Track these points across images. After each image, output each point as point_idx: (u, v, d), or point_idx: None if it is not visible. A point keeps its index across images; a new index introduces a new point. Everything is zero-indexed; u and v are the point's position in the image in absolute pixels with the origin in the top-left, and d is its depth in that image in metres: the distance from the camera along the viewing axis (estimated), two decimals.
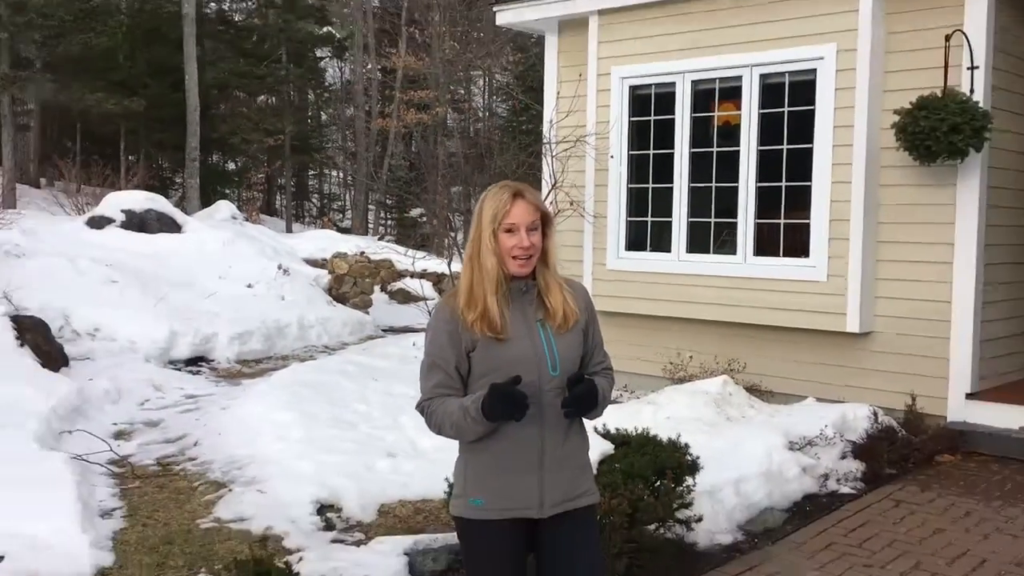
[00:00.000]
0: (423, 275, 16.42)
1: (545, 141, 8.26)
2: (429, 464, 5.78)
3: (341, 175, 38.39)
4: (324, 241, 17.05)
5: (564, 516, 2.75)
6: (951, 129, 6.07)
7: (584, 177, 8.11)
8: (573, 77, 8.40)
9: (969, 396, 6.48)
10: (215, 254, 11.93)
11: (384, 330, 12.29)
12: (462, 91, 35.73)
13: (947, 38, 6.32)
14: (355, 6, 33.12)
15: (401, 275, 16.35)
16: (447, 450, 6.17)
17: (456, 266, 16.18)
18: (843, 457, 5.77)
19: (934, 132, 6.12)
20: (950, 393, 6.52)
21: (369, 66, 32.71)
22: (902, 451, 5.93)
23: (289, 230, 26.43)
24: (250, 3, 32.43)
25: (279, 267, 11.92)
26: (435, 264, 15.38)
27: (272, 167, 31.09)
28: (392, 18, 34.68)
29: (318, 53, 31.93)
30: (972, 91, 6.28)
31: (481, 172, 8.56)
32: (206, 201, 21.58)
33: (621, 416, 5.64)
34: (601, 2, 8.00)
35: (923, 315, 6.62)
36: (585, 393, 2.67)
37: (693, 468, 4.39)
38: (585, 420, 2.85)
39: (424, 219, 28.94)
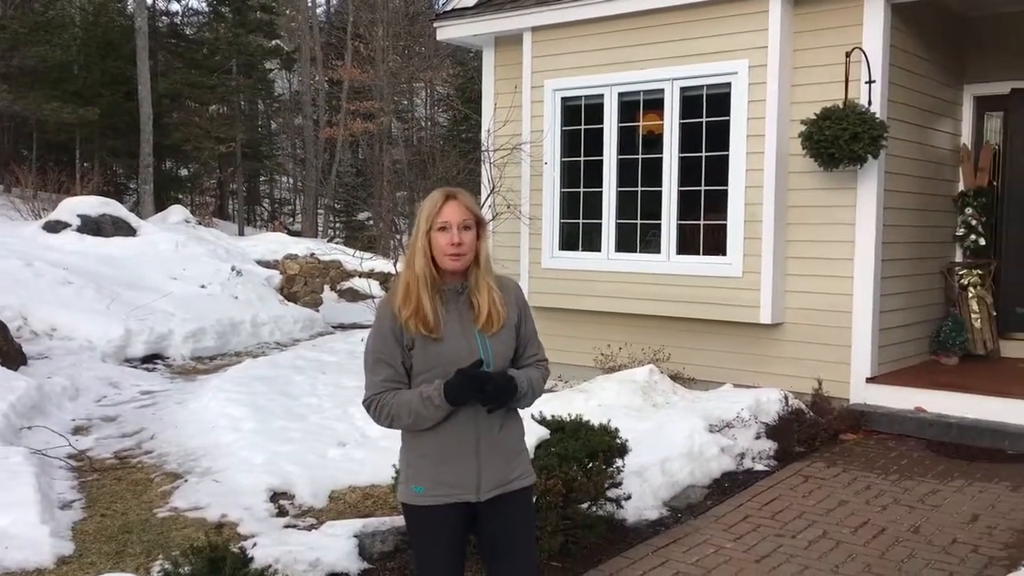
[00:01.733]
0: (370, 275, 16.32)
1: (484, 149, 8.27)
2: (377, 452, 5.75)
3: (291, 181, 37.89)
4: (275, 244, 16.82)
5: (500, 499, 2.76)
6: (851, 138, 6.24)
7: (520, 182, 8.15)
8: (509, 89, 8.42)
9: (869, 380, 6.66)
10: (169, 256, 11.68)
11: (334, 327, 12.18)
12: (405, 102, 35.50)
13: (847, 55, 6.49)
14: (303, 20, 32.74)
15: (350, 275, 16.23)
16: (394, 438, 6.14)
17: (402, 266, 16.15)
18: (757, 437, 5.89)
19: (836, 140, 6.28)
20: (852, 377, 6.70)
21: (317, 77, 32.32)
22: (810, 431, 6.07)
23: (241, 233, 25.97)
24: (201, 17, 31.79)
25: (232, 268, 11.73)
26: (382, 264, 15.28)
27: (224, 173, 30.56)
28: (338, 32, 34.31)
29: (267, 65, 31.41)
30: (870, 103, 6.46)
31: (424, 178, 8.50)
32: (160, 206, 21.10)
33: (556, 404, 5.69)
34: (535, 20, 8.03)
35: (828, 307, 6.79)
36: (498, 390, 2.65)
37: (622, 450, 4.44)
38: (520, 409, 2.87)
39: (371, 222, 28.72)
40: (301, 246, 17.22)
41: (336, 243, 23.43)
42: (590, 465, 4.25)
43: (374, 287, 16.27)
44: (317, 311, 12.61)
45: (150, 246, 11.81)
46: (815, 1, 6.74)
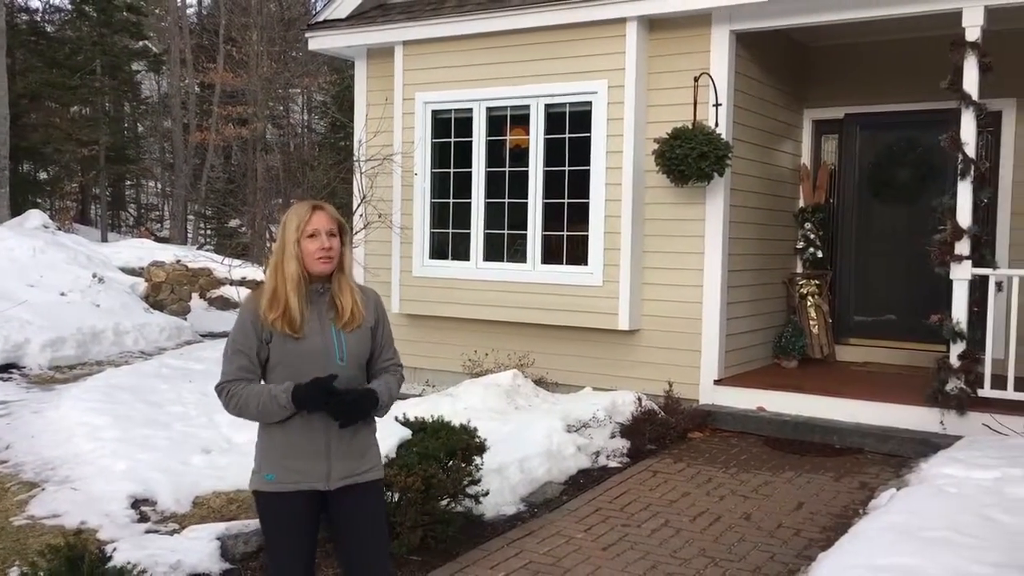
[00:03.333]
0: (242, 283, 16.05)
1: (355, 159, 8.40)
2: (243, 457, 5.76)
3: (159, 186, 36.62)
4: (141, 250, 16.33)
5: (351, 489, 2.96)
6: (699, 156, 6.71)
7: (391, 192, 8.32)
8: (381, 100, 8.59)
9: (716, 382, 7.16)
10: (26, 263, 11.23)
11: (203, 335, 11.97)
12: (281, 108, 34.92)
13: (696, 79, 6.98)
14: (172, 21, 31.79)
15: (220, 283, 15.92)
16: None
17: (268, 272, 15.95)
18: (612, 436, 6.26)
19: (686, 158, 6.75)
20: (701, 380, 7.18)
21: (187, 80, 31.42)
22: (661, 430, 6.47)
23: (104, 239, 24.98)
24: (64, 15, 30.41)
25: (94, 275, 11.38)
26: (254, 272, 15.09)
27: (87, 177, 29.29)
28: (209, 35, 33.47)
29: (134, 67, 30.33)
30: (717, 124, 6.96)
31: (297, 186, 8.55)
32: (16, 211, 20.08)
33: (424, 408, 5.89)
34: (406, 34, 8.23)
35: (680, 314, 7.26)
36: (349, 406, 2.86)
37: (481, 449, 4.68)
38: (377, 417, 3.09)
39: (243, 229, 28.11)
40: (168, 253, 16.77)
41: (206, 250, 22.86)
42: (450, 463, 4.48)
43: (245, 295, 16.01)
44: (185, 319, 12.37)
45: (5, 252, 11.33)
46: (668, 28, 7.22)
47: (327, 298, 2.96)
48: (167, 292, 12.86)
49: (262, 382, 2.94)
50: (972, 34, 6.14)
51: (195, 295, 14.81)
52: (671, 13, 7.05)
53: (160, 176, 35.21)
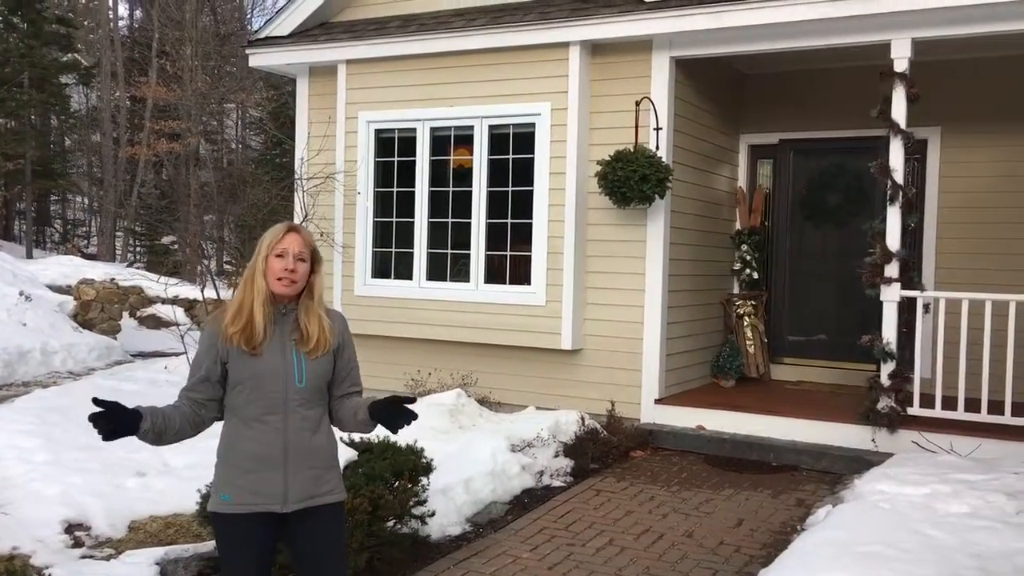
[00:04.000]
0: (175, 301, 15.72)
1: (297, 177, 8.34)
2: (180, 481, 5.69)
3: (87, 201, 35.65)
4: (69, 267, 15.88)
5: (308, 512, 2.94)
6: (641, 179, 6.84)
7: (333, 211, 8.27)
8: (323, 118, 8.56)
9: (657, 401, 7.27)
10: None
11: (134, 355, 11.68)
12: (215, 123, 34.38)
13: (637, 103, 7.12)
14: (103, 34, 31.13)
15: (152, 301, 15.58)
16: (198, 467, 6.12)
17: (209, 292, 15.66)
18: (556, 456, 6.31)
19: (628, 181, 6.87)
20: (642, 399, 7.28)
21: (118, 94, 30.75)
22: (603, 449, 6.54)
23: (30, 256, 24.22)
24: None
25: (20, 293, 11.03)
26: (188, 290, 14.80)
27: (12, 192, 28.38)
28: (141, 48, 32.83)
29: (63, 79, 29.56)
30: (657, 147, 7.11)
31: (235, 202, 8.44)
32: None
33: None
34: (349, 53, 8.23)
35: (622, 334, 7.35)
36: (389, 406, 2.93)
37: (427, 469, 4.67)
38: (336, 429, 3.08)
39: (176, 246, 27.53)
40: (98, 271, 16.32)
41: (137, 267, 22.36)
42: (396, 484, 4.46)
43: (179, 314, 15.69)
44: (115, 339, 12.06)
45: None
46: (610, 53, 7.36)
47: (290, 319, 2.95)
48: (97, 311, 12.52)
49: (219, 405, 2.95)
50: (900, 65, 6.40)
51: (125, 314, 14.45)
52: (613, 38, 7.19)
53: (88, 191, 34.30)
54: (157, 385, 8.74)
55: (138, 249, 30.70)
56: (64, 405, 7.24)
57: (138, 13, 36.31)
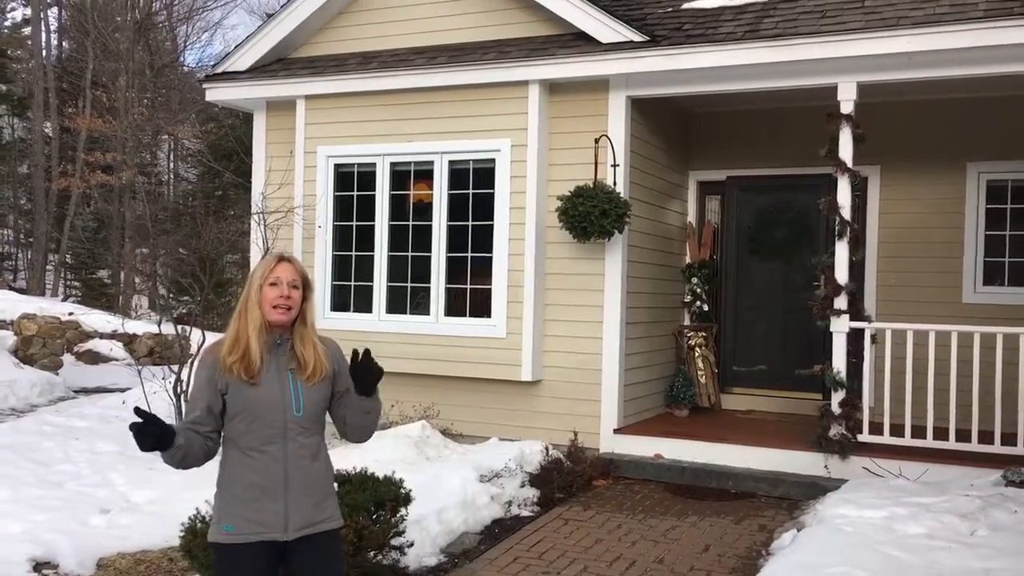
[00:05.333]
0: (113, 336, 15.38)
1: (256, 211, 8.30)
2: (145, 517, 5.60)
3: (13, 234, 34.55)
4: (5, 302, 15.41)
5: (308, 539, 2.96)
6: (601, 214, 7.01)
7: (292, 244, 8.25)
8: (280, 153, 8.55)
9: (616, 431, 7.39)
10: None
11: (76, 391, 11.36)
12: (148, 156, 33.77)
13: (596, 141, 7.32)
14: (35, 64, 30.43)
15: (90, 336, 15.20)
16: (160, 503, 6.02)
17: (147, 327, 15.32)
18: (523, 486, 6.36)
19: (588, 216, 7.03)
20: (602, 429, 7.40)
21: (49, 125, 30.02)
22: (568, 478, 6.62)
23: None
24: None
25: None
26: (129, 325, 14.50)
27: None
28: (72, 77, 32.17)
29: None
30: (616, 184, 7.30)
31: (197, 237, 8.36)
32: None
33: (334, 459, 5.81)
34: (308, 88, 8.27)
35: (581, 365, 7.48)
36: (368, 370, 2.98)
37: (407, 500, 4.69)
38: (359, 438, 3.14)
39: (109, 280, 26.90)
40: (33, 305, 15.87)
41: (72, 302, 21.75)
42: (378, 514, 4.46)
43: (117, 349, 15.34)
44: (57, 374, 11.72)
45: None
46: (569, 91, 7.55)
47: (286, 348, 2.99)
48: (39, 346, 12.18)
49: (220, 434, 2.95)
50: (847, 107, 6.73)
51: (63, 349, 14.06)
52: (572, 78, 7.39)
53: (15, 224, 33.27)
54: (107, 421, 8.55)
55: (72, 283, 29.85)
56: (15, 443, 7.05)
57: (65, 43, 35.61)
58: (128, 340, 15.17)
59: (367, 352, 3.00)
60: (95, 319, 15.26)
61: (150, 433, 2.73)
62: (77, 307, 16.31)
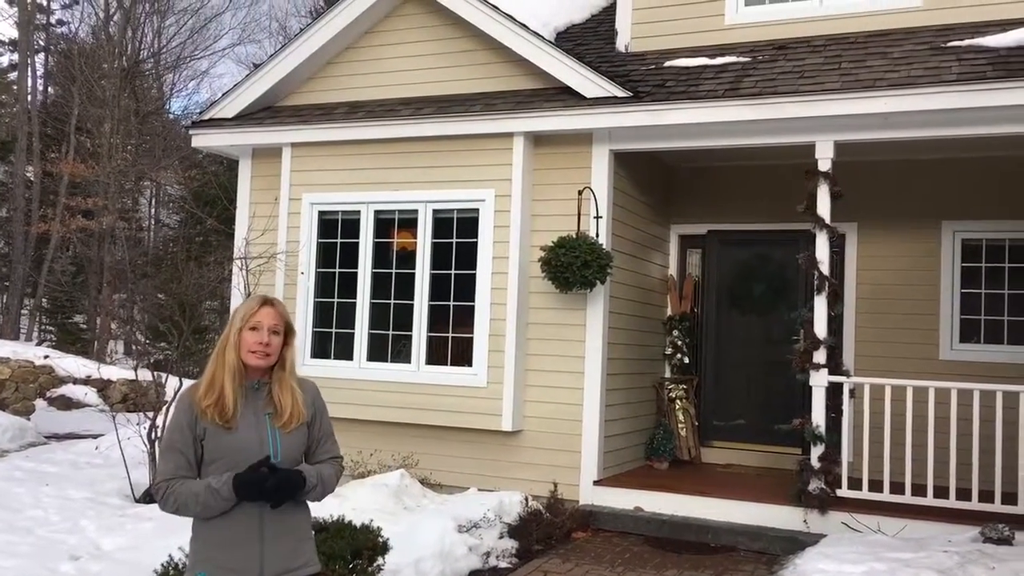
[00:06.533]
0: (87, 381, 15.21)
1: (239, 256, 8.31)
2: (116, 564, 5.48)
3: None
4: None
5: None
6: (583, 265, 7.07)
7: (274, 290, 8.24)
8: (265, 199, 8.59)
9: (596, 483, 7.35)
10: None
11: (48, 437, 11.18)
12: (130, 201, 33.72)
13: (579, 193, 7.41)
14: (20, 109, 30.51)
15: (63, 381, 15.03)
16: (130, 550, 5.91)
17: (122, 372, 15.13)
18: (501, 537, 6.30)
19: (571, 266, 7.09)
20: (581, 481, 7.36)
21: (31, 169, 29.99)
22: (547, 530, 6.57)
23: None
24: None
25: None
26: (104, 370, 14.34)
27: None
28: (58, 123, 32.24)
29: None
30: (598, 235, 7.37)
31: (178, 282, 8.34)
32: None
33: (310, 506, 5.75)
34: (294, 136, 8.34)
35: (561, 416, 7.47)
36: (279, 484, 2.84)
37: (385, 548, 4.65)
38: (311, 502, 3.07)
39: (86, 325, 26.65)
40: (7, 348, 15.69)
41: (47, 346, 21.51)
42: (355, 563, 4.41)
43: (91, 395, 15.15)
44: (29, 420, 11.55)
45: None
46: (553, 143, 7.67)
47: (264, 393, 2.96)
48: (11, 390, 12.02)
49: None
50: (824, 165, 6.87)
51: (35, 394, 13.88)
52: (556, 131, 7.51)
53: None
54: (79, 468, 8.43)
55: (48, 328, 29.56)
56: None
57: (51, 89, 35.76)
58: (102, 386, 15.01)
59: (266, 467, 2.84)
60: (70, 363, 15.09)
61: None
62: (52, 351, 16.12)
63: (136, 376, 9.34)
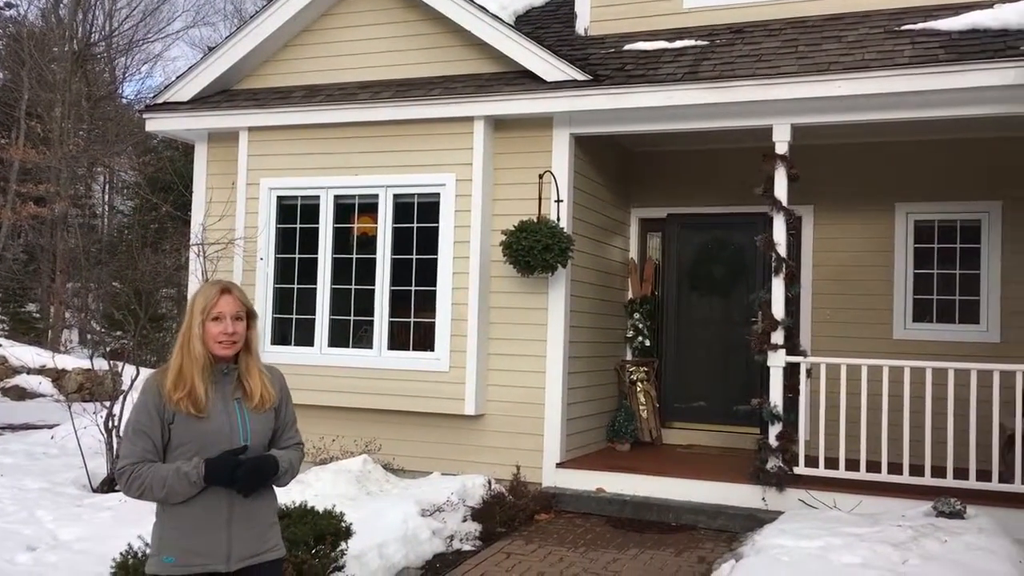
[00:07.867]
0: (41, 371, 14.97)
1: (195, 243, 8.20)
2: (74, 555, 5.41)
3: None
4: None
5: (251, 570, 2.92)
6: (544, 248, 7.09)
7: (234, 276, 8.14)
8: (222, 184, 8.48)
9: (559, 465, 7.41)
10: None
11: (1, 427, 11.00)
12: (83, 188, 33.09)
13: (540, 176, 7.43)
14: None
15: (17, 371, 14.78)
16: (88, 540, 5.85)
17: (77, 362, 14.88)
18: (464, 520, 6.33)
19: (532, 250, 7.10)
20: (544, 464, 7.41)
21: None
22: (510, 512, 6.60)
23: None
24: None
25: None
26: (59, 360, 14.11)
27: None
28: (8, 108, 31.49)
29: None
30: (559, 219, 7.40)
31: (133, 269, 8.21)
32: None
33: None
34: (251, 120, 8.24)
35: (524, 399, 7.50)
36: (251, 471, 2.86)
37: (347, 533, 4.65)
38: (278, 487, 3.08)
39: (40, 315, 26.15)
40: None
41: None
42: (318, 548, 4.40)
43: (46, 384, 14.91)
44: None
45: None
46: (513, 127, 7.66)
47: (232, 378, 2.96)
48: None
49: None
50: (781, 148, 6.95)
51: None
52: (517, 115, 7.51)
53: None
54: (34, 458, 8.30)
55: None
56: None
57: (0, 73, 34.89)
58: (57, 375, 14.78)
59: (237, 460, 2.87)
60: (23, 353, 14.84)
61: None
62: (5, 341, 15.83)
63: (92, 365, 9.22)
